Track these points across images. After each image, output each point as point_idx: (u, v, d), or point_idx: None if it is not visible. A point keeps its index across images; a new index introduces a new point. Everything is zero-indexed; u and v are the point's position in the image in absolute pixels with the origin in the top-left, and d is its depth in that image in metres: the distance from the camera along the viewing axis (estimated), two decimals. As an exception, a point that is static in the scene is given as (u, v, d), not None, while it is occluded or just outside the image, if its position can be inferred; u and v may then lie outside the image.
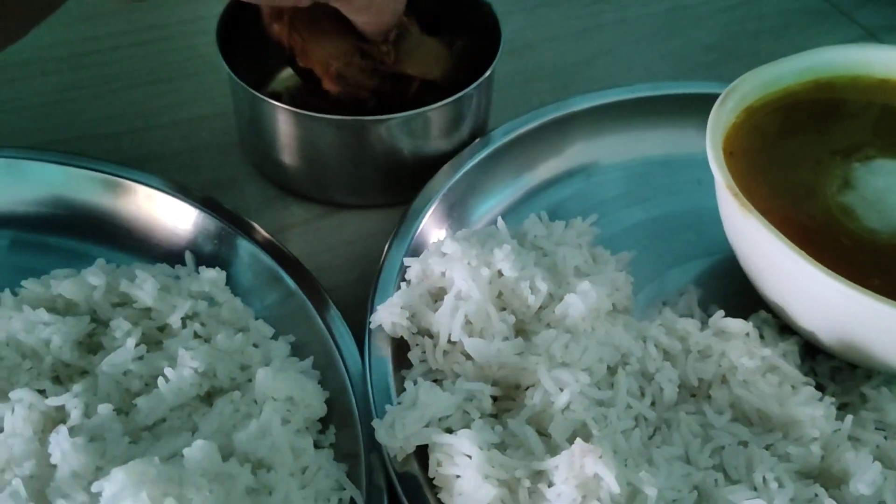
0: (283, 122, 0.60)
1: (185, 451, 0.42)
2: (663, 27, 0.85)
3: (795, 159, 0.57)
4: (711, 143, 0.55)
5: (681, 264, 0.63)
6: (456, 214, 0.61)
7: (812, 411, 0.49)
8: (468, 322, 0.51)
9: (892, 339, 0.49)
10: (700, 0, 0.88)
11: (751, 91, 0.59)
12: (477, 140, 0.65)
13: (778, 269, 0.52)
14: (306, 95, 0.64)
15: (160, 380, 0.48)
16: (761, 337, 0.54)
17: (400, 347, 0.53)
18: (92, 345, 0.52)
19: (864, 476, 0.46)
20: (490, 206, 0.63)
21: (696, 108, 0.61)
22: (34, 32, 0.56)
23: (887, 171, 0.56)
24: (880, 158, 0.57)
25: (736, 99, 0.58)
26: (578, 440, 0.44)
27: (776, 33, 0.84)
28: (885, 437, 0.51)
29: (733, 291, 0.59)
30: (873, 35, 0.85)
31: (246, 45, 0.64)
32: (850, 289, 0.47)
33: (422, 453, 0.48)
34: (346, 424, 0.50)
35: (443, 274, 0.53)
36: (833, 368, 0.55)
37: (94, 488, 0.41)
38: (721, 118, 0.57)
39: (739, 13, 0.87)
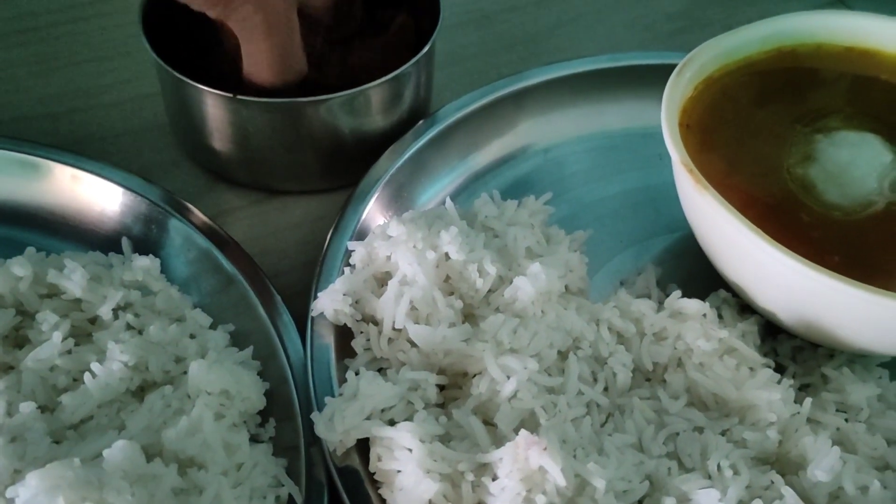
0: (212, 106, 0.57)
1: (105, 452, 0.40)
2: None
3: (755, 132, 0.55)
4: (667, 116, 0.52)
5: (640, 242, 0.61)
6: (405, 196, 0.59)
7: (769, 395, 0.47)
8: (413, 308, 0.48)
9: (852, 318, 0.47)
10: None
11: (710, 61, 0.57)
12: (423, 119, 0.62)
13: (735, 248, 0.50)
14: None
15: (87, 375, 0.45)
16: (720, 317, 0.53)
17: (344, 335, 0.51)
18: (18, 339, 0.49)
19: (822, 462, 0.45)
20: (440, 186, 0.61)
21: (659, 79, 0.59)
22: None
23: (850, 142, 0.54)
24: (844, 130, 0.55)
25: (694, 69, 0.56)
26: (523, 431, 0.42)
27: (744, 0, 0.81)
28: (846, 420, 0.49)
29: (694, 270, 0.57)
30: (842, 0, 0.83)
31: (187, 21, 0.61)
32: (808, 268, 0.45)
33: (364, 446, 0.46)
34: (286, 417, 0.48)
35: (388, 258, 0.51)
36: (794, 348, 0.54)
37: (9, 493, 0.39)
38: (678, 90, 0.54)
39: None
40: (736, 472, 0.45)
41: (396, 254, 0.50)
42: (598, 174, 0.65)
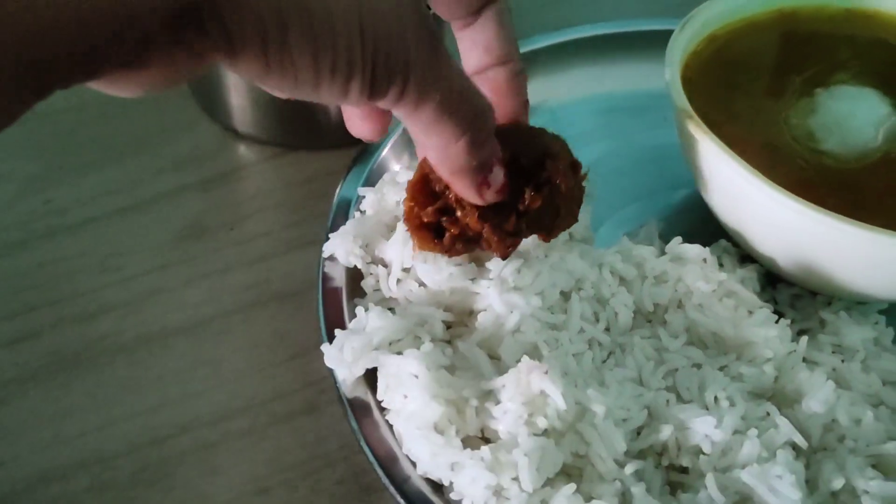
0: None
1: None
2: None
3: (756, 86, 0.57)
4: (669, 67, 0.54)
5: (644, 198, 0.62)
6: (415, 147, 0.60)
7: (766, 332, 0.49)
8: (420, 249, 0.50)
9: (847, 259, 0.48)
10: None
11: (712, 18, 0.59)
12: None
13: (734, 192, 0.51)
14: None
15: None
16: (720, 265, 0.54)
17: (354, 277, 0.53)
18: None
19: (817, 394, 0.46)
20: (451, 139, 0.62)
21: (664, 44, 0.60)
22: None
23: (849, 95, 0.56)
24: (843, 84, 0.57)
25: (696, 26, 0.57)
26: (525, 357, 0.44)
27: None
28: (843, 360, 0.50)
29: (696, 224, 0.58)
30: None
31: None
32: (805, 207, 0.46)
33: (373, 378, 0.47)
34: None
35: (397, 203, 0.52)
36: (793, 296, 0.55)
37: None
38: (680, 44, 0.56)
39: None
40: (732, 404, 0.46)
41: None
42: (603, 133, 0.66)
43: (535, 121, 0.65)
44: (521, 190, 0.46)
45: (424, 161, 0.46)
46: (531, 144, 0.47)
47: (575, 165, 0.49)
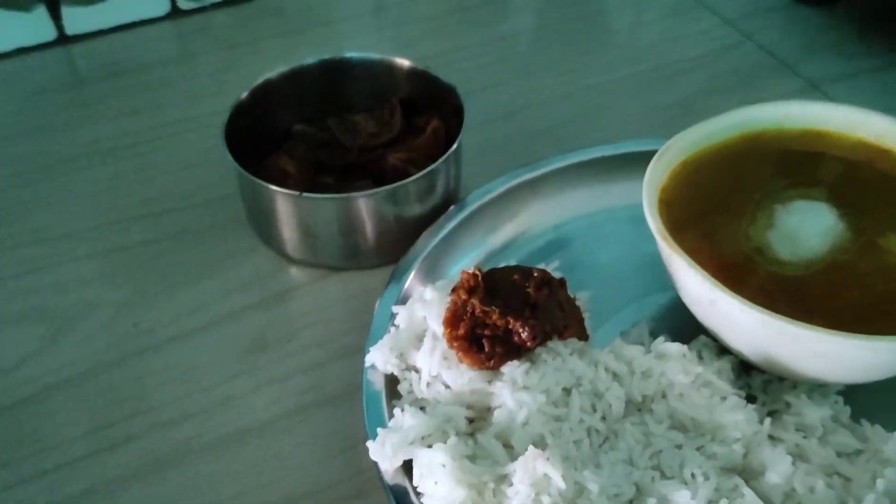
0: (281, 202, 0.71)
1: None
2: (625, 91, 0.96)
3: (723, 206, 0.66)
4: (647, 194, 0.64)
5: (639, 300, 0.72)
6: (438, 268, 0.72)
7: (735, 416, 0.58)
8: (445, 358, 0.61)
9: (801, 354, 0.57)
10: (659, 64, 0.99)
11: (685, 147, 0.68)
12: (454, 205, 0.76)
13: (704, 302, 0.61)
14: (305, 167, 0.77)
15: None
16: (700, 357, 0.64)
17: (392, 382, 0.63)
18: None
19: (777, 468, 0.55)
20: (468, 260, 0.74)
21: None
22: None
23: (802, 209, 0.65)
24: (798, 200, 0.67)
25: (670, 156, 0.67)
26: (531, 446, 0.54)
27: (726, 90, 0.94)
28: (804, 437, 0.60)
29: (682, 322, 0.67)
30: (815, 86, 0.95)
31: (246, 134, 0.76)
32: (762, 313, 0.55)
33: (409, 467, 0.58)
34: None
35: (424, 318, 0.64)
36: (765, 381, 0.64)
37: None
38: (656, 173, 0.66)
39: (696, 75, 0.98)
40: (706, 478, 0.55)
41: (429, 315, 0.62)
42: (602, 244, 0.77)
43: (540, 237, 0.78)
44: (525, 294, 0.60)
45: (453, 293, 0.61)
46: (519, 270, 0.63)
47: (561, 282, 0.63)
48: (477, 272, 0.62)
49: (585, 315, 0.66)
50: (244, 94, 0.76)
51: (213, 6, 1.10)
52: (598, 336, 0.68)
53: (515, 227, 0.77)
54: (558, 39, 1.06)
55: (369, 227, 0.73)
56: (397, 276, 0.70)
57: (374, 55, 0.82)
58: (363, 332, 0.68)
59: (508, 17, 1.10)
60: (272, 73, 0.78)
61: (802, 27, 1.05)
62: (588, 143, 0.83)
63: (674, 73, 0.98)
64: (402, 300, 0.68)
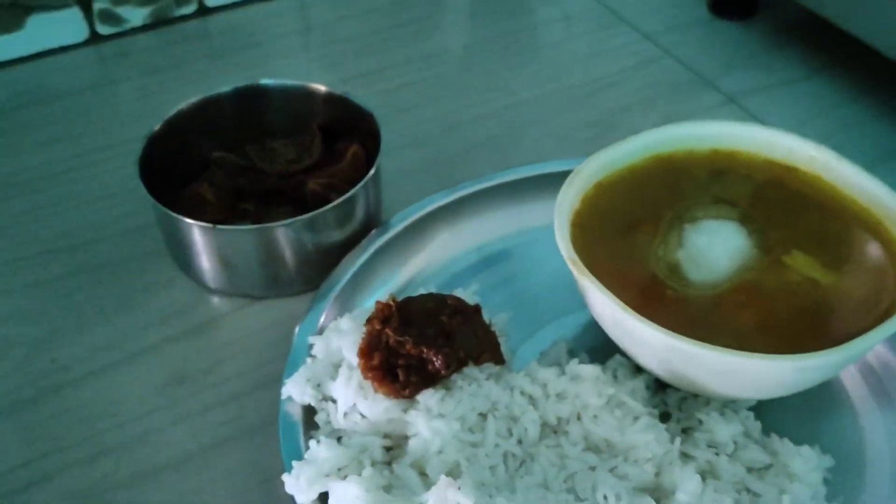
0: (198, 234, 0.71)
1: None
2: (549, 108, 0.97)
3: (635, 227, 0.67)
4: (558, 219, 0.64)
5: (557, 319, 0.73)
6: (357, 296, 0.72)
7: (646, 436, 0.59)
8: (361, 388, 0.61)
9: (707, 372, 0.59)
10: (582, 81, 1.01)
11: (597, 170, 0.69)
12: (375, 229, 0.76)
13: (616, 323, 0.62)
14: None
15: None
16: (615, 377, 0.65)
17: (309, 412, 0.63)
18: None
19: (686, 486, 0.57)
20: (387, 287, 0.74)
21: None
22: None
23: (710, 230, 0.66)
24: (707, 219, 0.68)
25: (582, 179, 0.68)
26: (442, 476, 0.54)
27: (646, 105, 0.96)
28: (716, 454, 0.61)
29: (599, 340, 0.67)
30: (733, 100, 0.97)
31: (164, 163, 0.76)
32: (668, 336, 0.56)
33: (326, 498, 0.58)
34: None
35: (340, 348, 0.64)
36: (680, 399, 0.65)
37: None
38: (568, 197, 0.66)
39: (617, 90, 0.99)
40: (618, 500, 0.56)
41: (345, 346, 0.63)
42: (521, 265, 0.78)
43: (462, 260, 0.79)
44: (440, 322, 0.61)
45: (367, 323, 0.61)
46: (433, 298, 0.64)
47: (476, 308, 0.63)
48: (391, 302, 0.62)
49: (503, 338, 0.66)
50: (157, 126, 0.76)
51: (134, 30, 1.08)
52: (517, 357, 0.69)
53: (435, 251, 0.78)
54: (485, 56, 1.07)
55: (288, 256, 0.73)
56: (315, 306, 0.70)
57: (291, 81, 0.82)
58: (284, 361, 0.68)
59: (436, 34, 1.11)
60: (185, 103, 0.78)
61: (720, 41, 1.07)
62: (510, 164, 0.84)
63: (596, 89, 1.00)
64: (321, 329, 0.68)
